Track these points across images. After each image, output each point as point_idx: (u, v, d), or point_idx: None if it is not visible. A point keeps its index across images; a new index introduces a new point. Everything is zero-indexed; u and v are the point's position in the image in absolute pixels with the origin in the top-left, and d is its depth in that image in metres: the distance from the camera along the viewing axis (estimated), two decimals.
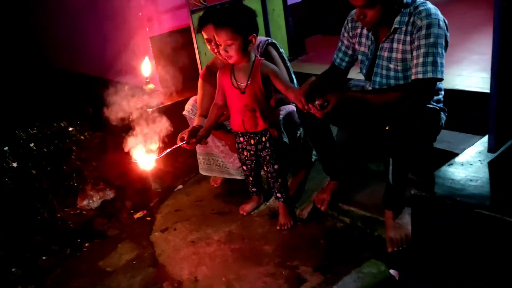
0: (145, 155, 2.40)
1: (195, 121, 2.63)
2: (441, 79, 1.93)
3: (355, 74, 2.67)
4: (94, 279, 2.42)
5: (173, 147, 2.41)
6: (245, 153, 2.53)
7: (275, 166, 2.48)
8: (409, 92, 1.94)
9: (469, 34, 3.50)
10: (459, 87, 2.63)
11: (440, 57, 1.91)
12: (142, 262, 2.48)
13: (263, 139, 2.44)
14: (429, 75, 1.89)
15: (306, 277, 2.15)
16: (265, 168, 2.53)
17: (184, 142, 2.43)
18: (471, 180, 1.65)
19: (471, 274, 1.66)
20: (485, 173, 1.68)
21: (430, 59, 1.89)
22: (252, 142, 2.47)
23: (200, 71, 2.84)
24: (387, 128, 2.05)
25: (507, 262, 1.53)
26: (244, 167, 2.60)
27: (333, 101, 1.96)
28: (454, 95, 2.40)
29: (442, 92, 2.13)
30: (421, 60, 1.91)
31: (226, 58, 2.29)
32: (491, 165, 1.72)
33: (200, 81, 2.70)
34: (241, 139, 2.51)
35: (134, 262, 2.49)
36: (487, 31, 3.52)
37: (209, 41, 2.52)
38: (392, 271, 2.08)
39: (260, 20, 3.22)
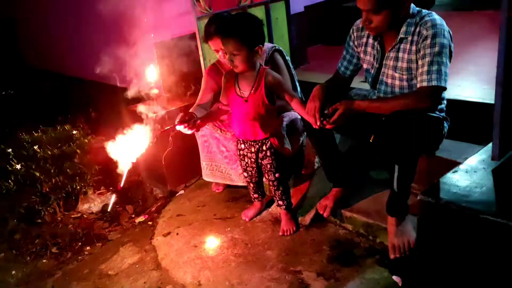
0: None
1: (191, 109, 2.63)
2: (445, 88, 1.97)
3: (357, 83, 2.72)
4: (96, 283, 2.42)
5: (167, 128, 2.33)
6: (246, 160, 2.55)
7: (276, 175, 2.50)
8: (414, 100, 1.98)
9: (467, 46, 3.57)
10: (459, 97, 2.67)
11: (445, 66, 1.95)
12: (145, 266, 2.48)
13: (264, 147, 2.46)
14: (434, 83, 1.93)
15: (310, 282, 2.17)
16: (266, 176, 2.54)
17: (177, 123, 2.30)
18: (476, 187, 1.68)
19: (475, 281, 1.68)
20: (489, 180, 1.71)
21: (435, 67, 1.93)
22: (253, 149, 2.49)
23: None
24: (371, 139, 2.10)
25: None
26: (245, 174, 2.62)
27: (342, 110, 2.00)
28: (455, 105, 2.44)
29: (445, 102, 2.18)
30: (426, 68, 1.95)
31: (232, 67, 2.32)
32: (496, 172, 1.75)
33: (205, 75, 2.76)
34: (242, 146, 2.53)
35: (137, 266, 2.49)
36: (484, 44, 3.62)
37: (216, 51, 2.58)
38: (394, 277, 2.10)
39: (264, 29, 3.27)
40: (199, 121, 2.30)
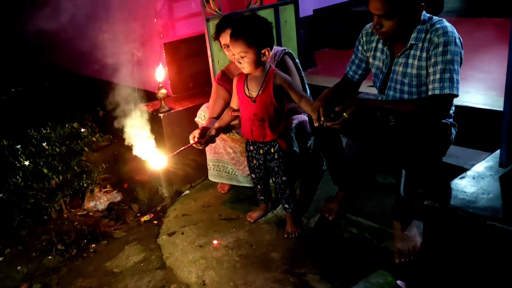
0: (155, 155, 2.44)
1: (205, 123, 2.67)
2: (456, 95, 1.97)
3: (365, 88, 2.73)
4: (101, 280, 2.43)
5: (184, 147, 2.45)
6: (254, 162, 2.56)
7: (283, 178, 2.50)
8: (426, 106, 1.98)
9: (476, 53, 3.57)
10: (467, 104, 2.68)
11: (456, 74, 1.95)
12: (150, 264, 2.49)
13: (272, 150, 2.46)
14: (447, 91, 1.93)
15: (314, 284, 2.18)
16: (273, 179, 2.55)
17: (195, 141, 2.46)
18: (483, 193, 1.69)
19: (480, 287, 1.68)
20: (497, 187, 1.72)
21: (447, 75, 1.93)
22: (261, 151, 2.50)
23: (213, 78, 2.89)
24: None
25: None
26: (253, 175, 2.62)
27: (355, 107, 1.99)
28: (463, 111, 2.45)
29: (453, 108, 2.18)
30: (438, 76, 1.95)
31: (240, 68, 2.34)
32: (503, 179, 1.75)
33: (214, 84, 2.75)
34: (251, 147, 2.53)
35: (142, 264, 2.51)
36: (492, 51, 3.61)
37: (226, 46, 2.56)
38: (399, 282, 2.11)
39: (272, 32, 3.29)
40: (212, 132, 2.47)
